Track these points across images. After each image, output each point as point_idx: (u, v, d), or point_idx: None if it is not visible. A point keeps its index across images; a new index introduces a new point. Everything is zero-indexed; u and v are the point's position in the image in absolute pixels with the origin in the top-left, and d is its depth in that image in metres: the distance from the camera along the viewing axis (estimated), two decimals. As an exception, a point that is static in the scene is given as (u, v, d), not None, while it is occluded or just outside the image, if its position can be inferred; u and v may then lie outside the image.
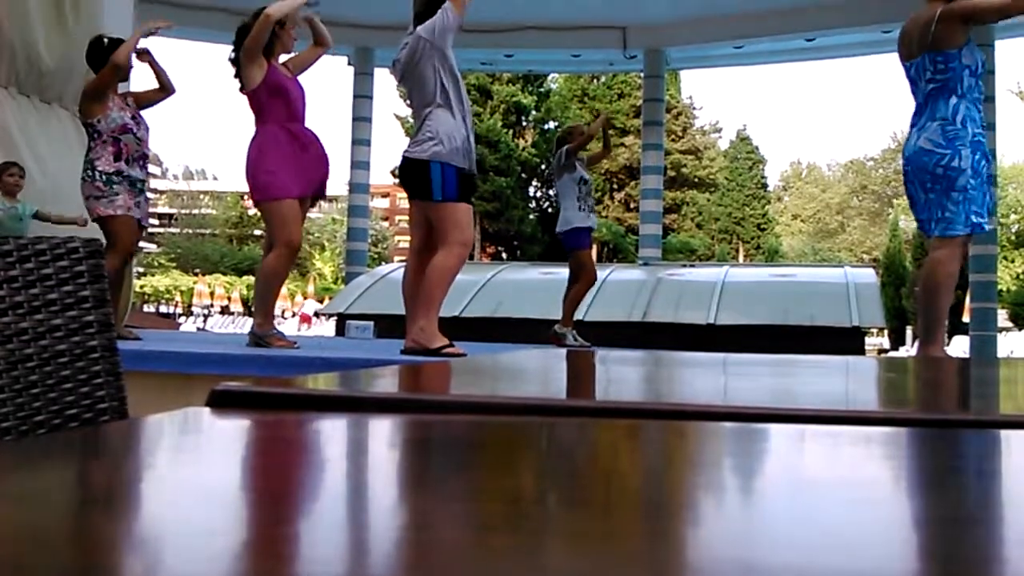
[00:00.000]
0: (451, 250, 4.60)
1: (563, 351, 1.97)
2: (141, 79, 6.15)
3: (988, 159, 4.50)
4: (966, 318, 15.85)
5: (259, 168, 5.11)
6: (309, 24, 5.42)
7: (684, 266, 16.44)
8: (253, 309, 5.58)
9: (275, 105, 5.16)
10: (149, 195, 6.13)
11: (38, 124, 7.75)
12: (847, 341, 9.96)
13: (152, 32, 5.85)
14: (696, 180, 42.59)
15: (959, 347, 19.40)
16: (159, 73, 6.02)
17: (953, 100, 4.41)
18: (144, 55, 5.93)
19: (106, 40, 5.89)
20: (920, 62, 4.49)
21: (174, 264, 44.56)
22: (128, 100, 5.88)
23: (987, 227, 4.51)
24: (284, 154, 5.11)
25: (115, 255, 5.62)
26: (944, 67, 4.42)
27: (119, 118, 5.69)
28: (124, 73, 5.78)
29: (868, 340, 17.79)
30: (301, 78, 5.47)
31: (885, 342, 27.82)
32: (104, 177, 5.63)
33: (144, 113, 5.97)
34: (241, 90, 5.22)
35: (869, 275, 12.54)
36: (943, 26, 4.38)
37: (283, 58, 5.42)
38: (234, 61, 5.24)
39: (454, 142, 4.62)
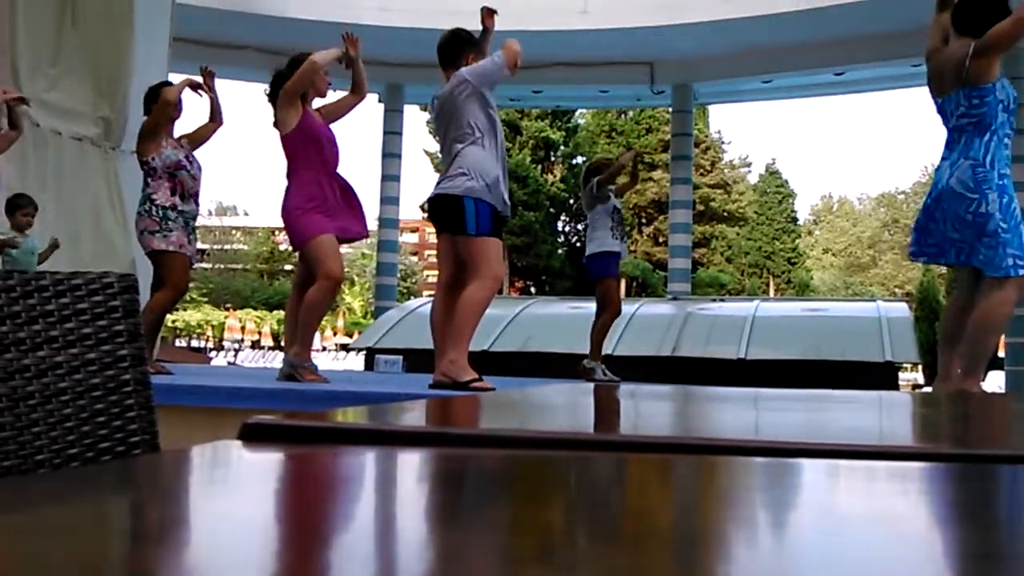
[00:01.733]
0: (482, 284, 4.60)
1: (591, 385, 1.96)
2: (191, 120, 6.34)
3: (1013, 198, 4.46)
4: (1001, 353, 15.62)
5: (293, 217, 5.21)
6: (351, 68, 5.46)
7: (714, 300, 16.37)
8: (284, 342, 5.62)
9: (308, 151, 5.22)
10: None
11: (65, 159, 7.92)
12: (880, 376, 9.85)
13: (196, 87, 6.10)
14: (725, 214, 42.44)
15: (994, 383, 19.12)
16: (214, 102, 6.20)
17: (987, 137, 4.39)
18: (203, 84, 6.15)
19: (153, 85, 6.20)
20: (955, 97, 4.46)
21: (205, 299, 44.89)
22: (182, 141, 6.06)
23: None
24: (317, 202, 5.18)
25: (169, 291, 5.83)
26: (979, 102, 4.39)
27: (172, 155, 5.88)
28: (173, 111, 5.95)
29: (902, 375, 17.57)
30: (333, 125, 5.53)
31: (919, 377, 27.43)
32: (161, 212, 5.80)
33: (195, 153, 6.14)
34: (275, 126, 5.30)
35: (902, 309, 12.42)
36: (978, 61, 4.36)
37: (317, 102, 5.49)
38: (271, 101, 5.33)
39: (487, 179, 4.65)
